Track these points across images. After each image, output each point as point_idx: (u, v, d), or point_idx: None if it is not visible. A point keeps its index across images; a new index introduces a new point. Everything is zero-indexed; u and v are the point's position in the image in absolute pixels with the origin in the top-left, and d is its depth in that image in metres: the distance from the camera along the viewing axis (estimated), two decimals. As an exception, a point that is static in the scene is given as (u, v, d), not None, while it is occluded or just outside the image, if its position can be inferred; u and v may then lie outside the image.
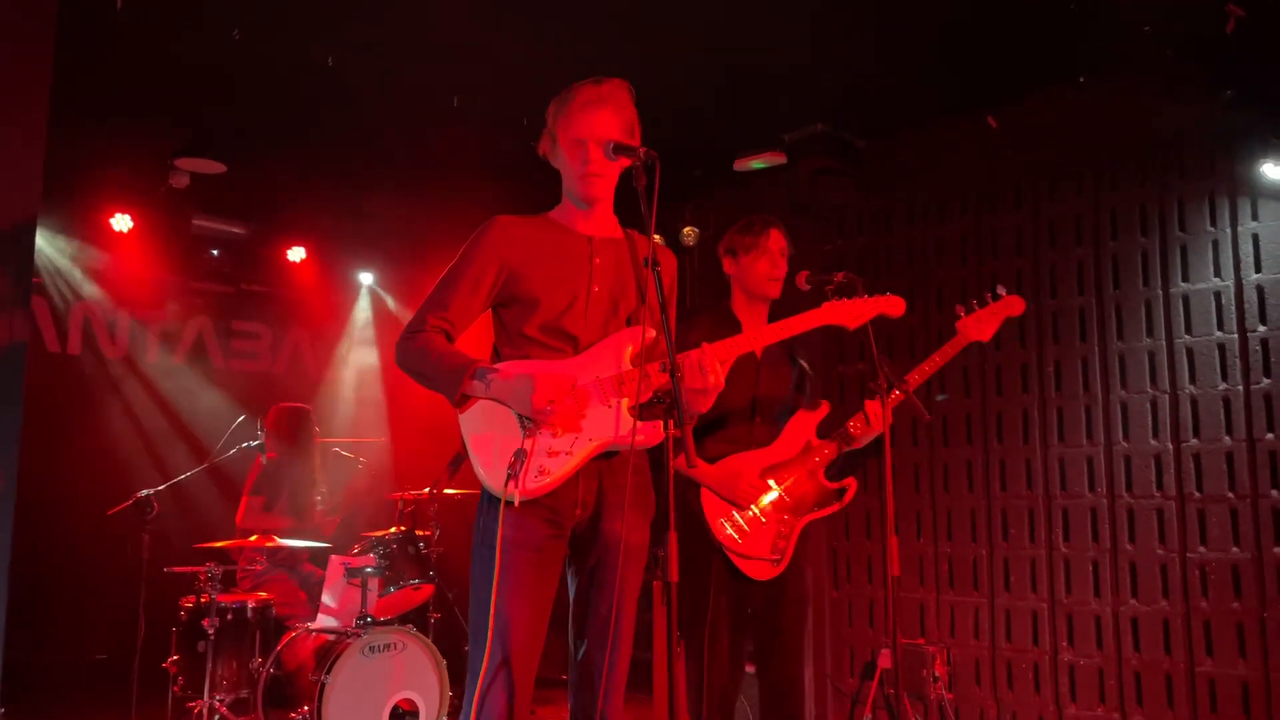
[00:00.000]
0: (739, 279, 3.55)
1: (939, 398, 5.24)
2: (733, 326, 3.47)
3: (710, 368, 2.47)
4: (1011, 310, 3.53)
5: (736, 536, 3.27)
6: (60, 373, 6.55)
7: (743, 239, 3.53)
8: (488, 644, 2.38)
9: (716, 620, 3.26)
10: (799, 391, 3.60)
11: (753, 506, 3.31)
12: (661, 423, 2.39)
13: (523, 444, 2.41)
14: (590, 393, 2.49)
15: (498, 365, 2.50)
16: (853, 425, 3.39)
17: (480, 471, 2.47)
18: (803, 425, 3.46)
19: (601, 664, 2.48)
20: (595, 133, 2.54)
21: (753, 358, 3.46)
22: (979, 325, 3.49)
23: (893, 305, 3.04)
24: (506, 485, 2.37)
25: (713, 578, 3.25)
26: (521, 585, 2.43)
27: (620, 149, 2.47)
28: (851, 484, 3.43)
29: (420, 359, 2.51)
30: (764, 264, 3.48)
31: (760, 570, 3.29)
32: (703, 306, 3.30)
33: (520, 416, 2.43)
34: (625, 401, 2.49)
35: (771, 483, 3.36)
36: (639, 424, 2.46)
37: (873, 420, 3.34)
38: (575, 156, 2.56)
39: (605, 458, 2.52)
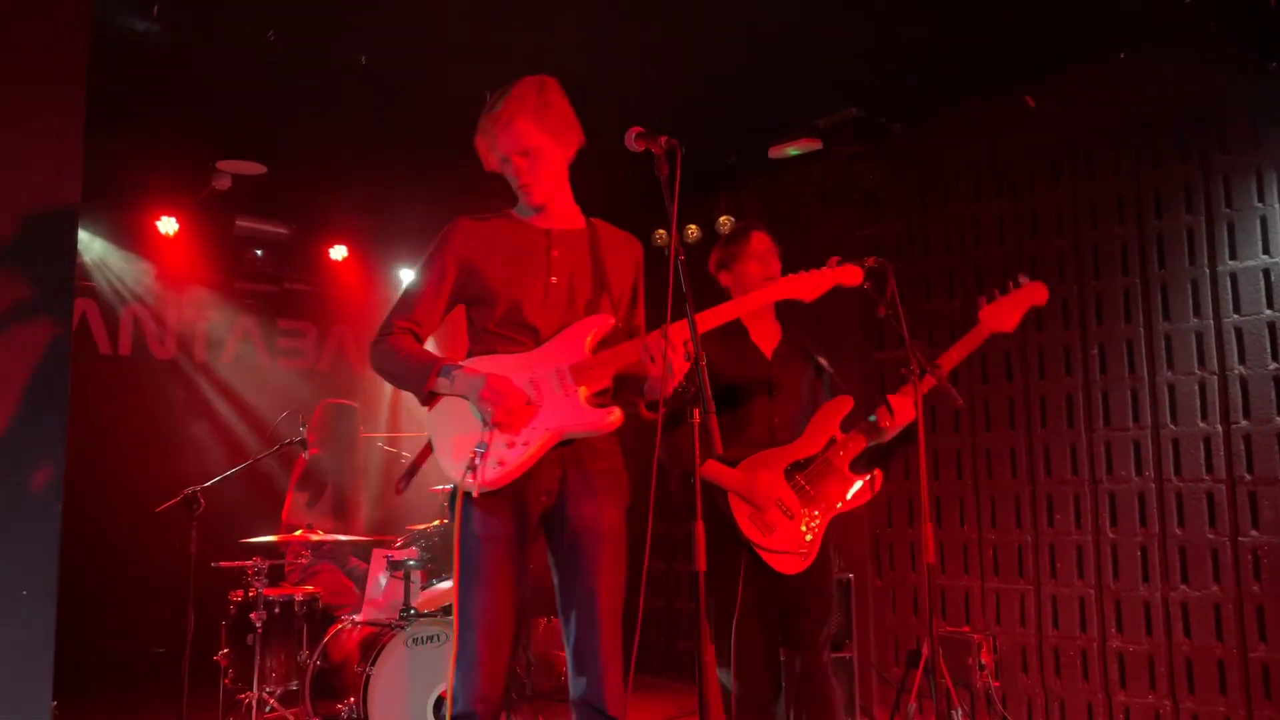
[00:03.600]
0: (736, 288, 3.54)
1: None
2: (738, 331, 3.51)
3: (670, 352, 2.51)
4: (1035, 299, 3.47)
5: (763, 533, 3.29)
6: (111, 374, 6.71)
7: (727, 249, 3.57)
8: (470, 632, 2.50)
9: (746, 614, 3.26)
10: (817, 388, 3.58)
11: (778, 504, 3.31)
12: (617, 409, 2.54)
13: (482, 437, 2.50)
14: (549, 386, 2.56)
15: (461, 363, 2.60)
16: (880, 416, 3.35)
17: (444, 465, 2.56)
18: (827, 420, 3.42)
19: (592, 647, 2.53)
20: (515, 146, 2.61)
21: (762, 358, 3.49)
22: (999, 315, 3.43)
23: (850, 275, 2.97)
24: (466, 477, 2.46)
25: (742, 572, 3.26)
26: (490, 577, 2.53)
27: (642, 137, 2.48)
28: (878, 475, 3.40)
29: (390, 360, 2.62)
30: (754, 267, 3.49)
31: (788, 564, 3.29)
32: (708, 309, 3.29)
33: (479, 411, 2.54)
34: (583, 390, 2.56)
35: (798, 477, 3.36)
36: (594, 410, 2.55)
37: (897, 411, 3.30)
38: (508, 171, 2.67)
39: (567, 445, 2.59)
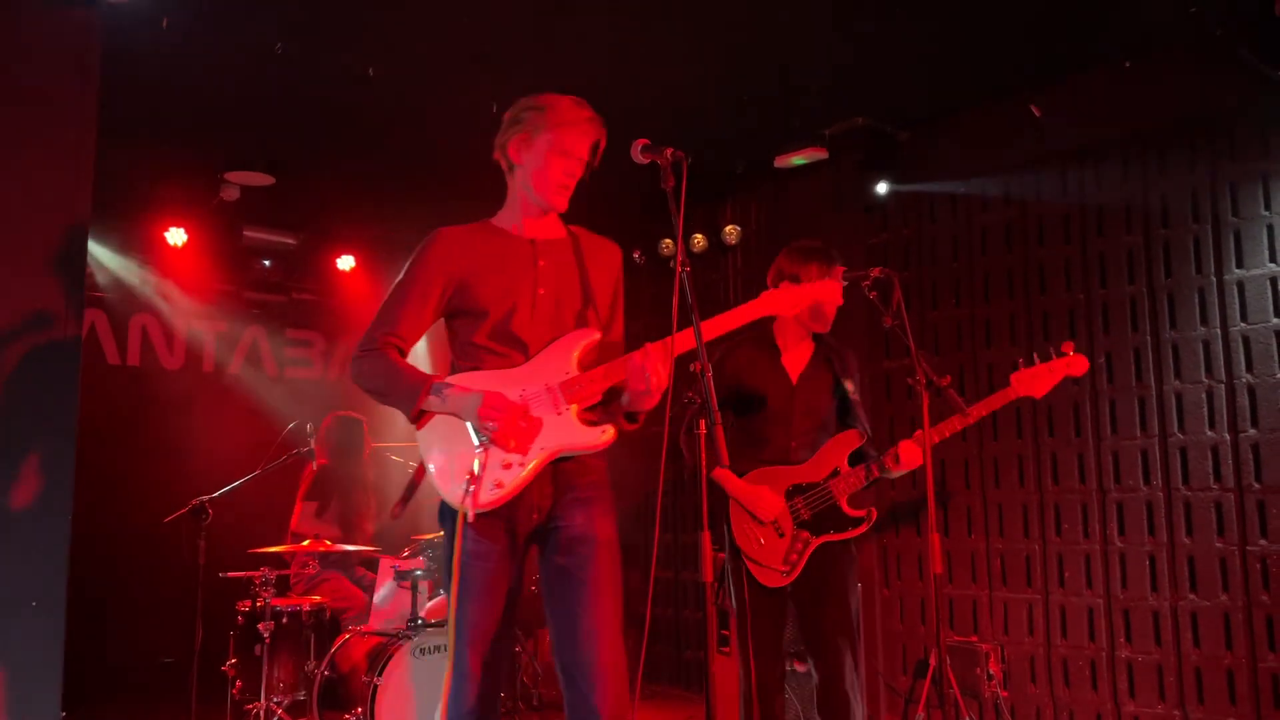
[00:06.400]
0: None
1: None
2: (770, 348, 3.52)
3: (653, 369, 2.48)
4: (1073, 370, 3.51)
5: (751, 544, 3.42)
6: (120, 384, 6.73)
7: (807, 268, 3.37)
8: (453, 648, 2.49)
9: (756, 618, 3.38)
10: (839, 413, 3.60)
11: (774, 521, 3.42)
12: (611, 427, 2.54)
13: (477, 457, 2.47)
14: (541, 404, 2.53)
15: (451, 380, 2.55)
16: (887, 462, 3.42)
17: (438, 485, 2.55)
18: (835, 451, 3.50)
19: (594, 657, 2.46)
20: (583, 151, 2.62)
21: (787, 383, 3.51)
22: (1031, 381, 3.48)
23: (830, 290, 2.88)
24: (465, 500, 2.45)
25: (747, 579, 3.39)
26: (481, 594, 2.51)
27: (648, 149, 2.49)
28: (871, 514, 3.48)
29: (375, 377, 2.58)
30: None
31: (770, 578, 3.42)
32: (745, 333, 3.22)
33: (475, 430, 2.51)
34: (574, 408, 2.54)
35: (797, 500, 3.46)
36: (589, 429, 2.54)
37: (904, 460, 3.37)
38: (558, 166, 2.60)
39: (557, 462, 2.56)
